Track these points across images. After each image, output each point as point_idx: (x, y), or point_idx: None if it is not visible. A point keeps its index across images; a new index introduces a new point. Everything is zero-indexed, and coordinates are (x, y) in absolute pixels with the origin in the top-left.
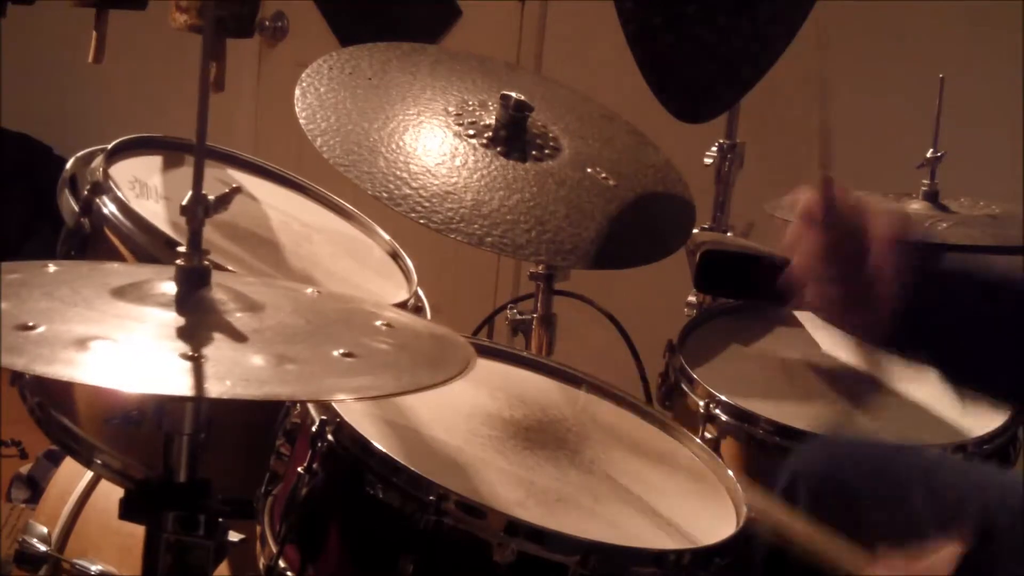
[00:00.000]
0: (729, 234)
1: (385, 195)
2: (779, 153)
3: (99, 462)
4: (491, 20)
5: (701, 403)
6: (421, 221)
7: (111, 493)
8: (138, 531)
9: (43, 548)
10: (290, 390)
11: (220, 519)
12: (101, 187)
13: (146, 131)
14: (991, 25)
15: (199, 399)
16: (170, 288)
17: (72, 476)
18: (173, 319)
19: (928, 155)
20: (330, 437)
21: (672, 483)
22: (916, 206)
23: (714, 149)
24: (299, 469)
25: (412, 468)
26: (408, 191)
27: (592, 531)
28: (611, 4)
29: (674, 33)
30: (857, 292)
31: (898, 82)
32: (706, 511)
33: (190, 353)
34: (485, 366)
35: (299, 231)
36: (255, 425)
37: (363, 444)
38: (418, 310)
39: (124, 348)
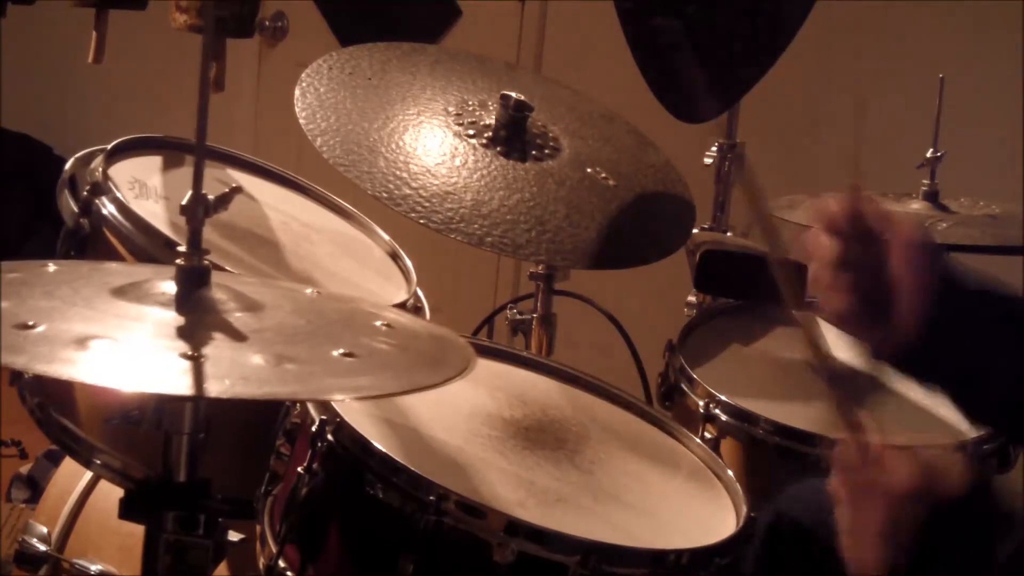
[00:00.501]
0: (729, 234)
1: (385, 195)
2: (779, 153)
3: (99, 462)
4: (491, 20)
5: (701, 403)
6: (421, 221)
7: (111, 493)
8: (138, 531)
9: (43, 548)
10: (290, 389)
11: (220, 519)
12: (100, 187)
13: (146, 131)
14: (991, 25)
15: (199, 399)
16: (170, 288)
17: (72, 476)
18: (173, 318)
19: (928, 155)
20: (330, 437)
21: (672, 483)
22: (916, 206)
23: (714, 149)
24: (299, 469)
25: (412, 468)
26: (408, 191)
27: (592, 531)
28: (611, 4)
29: (674, 33)
30: (875, 303)
31: (898, 82)
32: (706, 511)
33: (190, 353)
34: (485, 366)
35: (299, 231)
36: (255, 425)
37: (363, 444)
38: (418, 310)
39: (124, 347)
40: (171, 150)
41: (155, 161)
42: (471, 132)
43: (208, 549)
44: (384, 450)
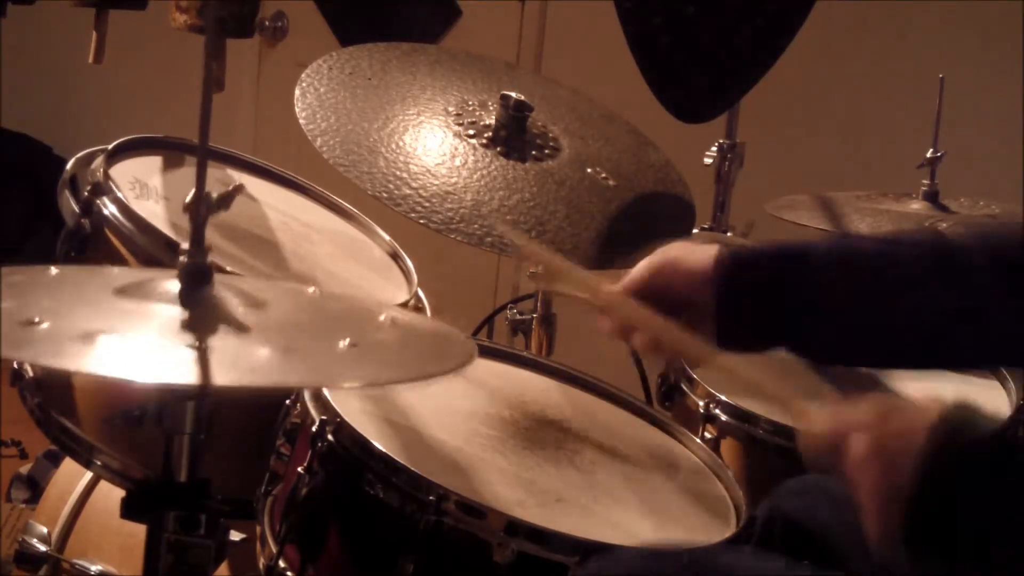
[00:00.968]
0: (729, 234)
1: (385, 195)
2: (779, 153)
3: (99, 462)
4: (491, 20)
5: (701, 403)
6: (421, 221)
7: (111, 493)
8: (138, 531)
9: (43, 548)
10: (298, 379)
11: (220, 519)
12: (101, 188)
13: (146, 131)
14: (991, 25)
15: (207, 389)
16: (173, 286)
17: (72, 476)
18: (177, 313)
19: (928, 155)
20: (330, 437)
21: (672, 483)
22: (916, 206)
23: (714, 149)
24: (299, 469)
25: (412, 468)
26: (408, 191)
27: (592, 531)
28: (611, 4)
29: (674, 34)
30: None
31: (898, 82)
32: (706, 511)
33: (197, 344)
34: (485, 366)
35: (299, 231)
36: (255, 425)
37: (363, 444)
38: (418, 310)
39: (130, 341)
40: (171, 150)
41: (155, 161)
42: (471, 132)
43: (209, 549)
44: (384, 450)
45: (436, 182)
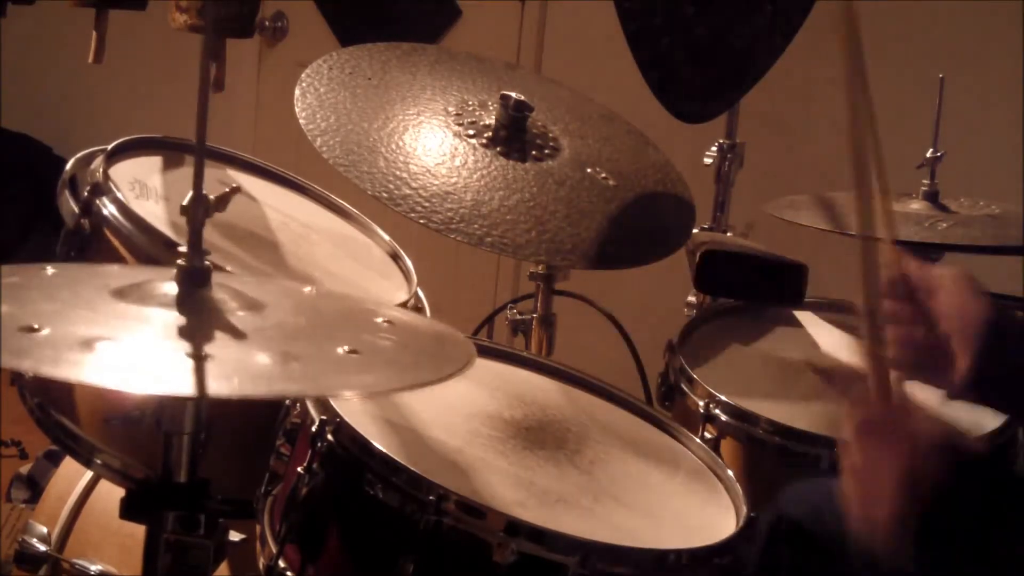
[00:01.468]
0: (729, 234)
1: (385, 195)
2: (779, 153)
3: (99, 462)
4: (491, 20)
5: (701, 403)
6: (421, 221)
7: (111, 493)
8: (138, 531)
9: (43, 548)
10: (298, 387)
11: (220, 519)
12: (101, 188)
13: (146, 131)
14: (991, 25)
15: (208, 399)
16: (171, 288)
17: (72, 476)
18: (175, 319)
19: (928, 155)
20: (330, 437)
21: (672, 483)
22: (916, 206)
23: (714, 149)
24: (299, 469)
25: (412, 468)
26: (408, 191)
27: (592, 531)
28: (611, 4)
29: (674, 34)
30: (933, 350)
31: (898, 82)
32: (706, 511)
33: (196, 353)
34: (485, 366)
35: (299, 231)
36: (255, 425)
37: (363, 444)
38: (418, 310)
39: (129, 349)
40: (171, 150)
41: (155, 161)
42: (471, 132)
43: (209, 549)
44: (384, 450)
45: (436, 182)
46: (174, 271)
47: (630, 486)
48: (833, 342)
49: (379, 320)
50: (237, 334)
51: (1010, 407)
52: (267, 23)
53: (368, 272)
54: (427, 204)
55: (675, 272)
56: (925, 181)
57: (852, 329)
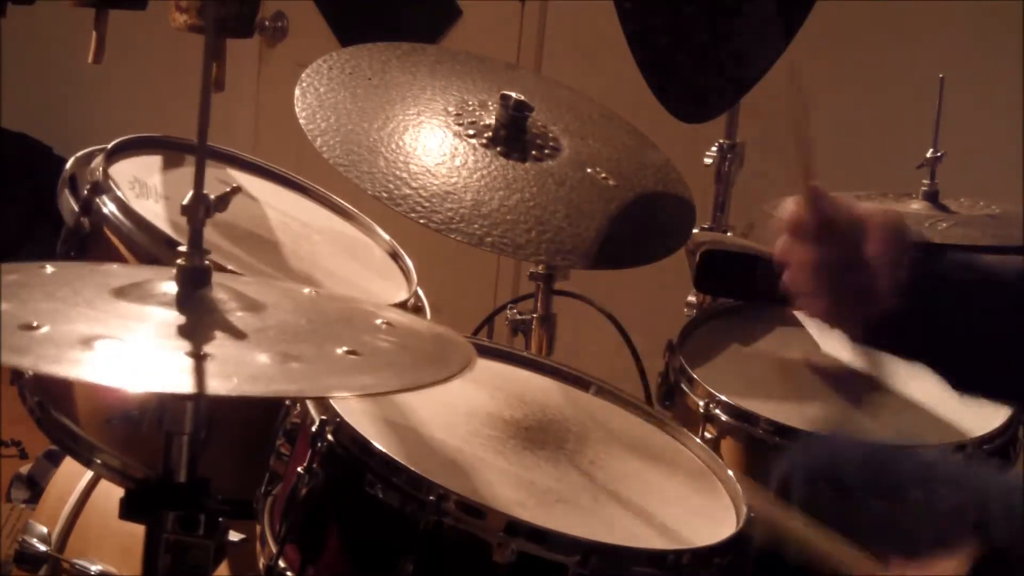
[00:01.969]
0: (729, 234)
1: (385, 195)
2: (779, 153)
3: (99, 462)
4: (491, 20)
5: (701, 403)
6: (421, 221)
7: (111, 493)
8: (138, 531)
9: (43, 548)
10: (297, 387)
11: (220, 519)
12: (101, 187)
13: (146, 131)
14: (991, 25)
15: (207, 398)
16: (171, 288)
17: (72, 476)
18: (175, 318)
19: (928, 155)
20: (330, 437)
21: (672, 483)
22: (916, 206)
23: (714, 149)
24: (299, 469)
25: (412, 468)
26: (408, 191)
27: (592, 531)
28: (611, 4)
29: (674, 34)
30: (853, 300)
31: (898, 82)
32: (706, 511)
33: (196, 352)
34: (485, 366)
35: (299, 231)
36: (255, 425)
37: (363, 444)
38: (418, 310)
39: (129, 347)
40: (171, 150)
41: (155, 161)
42: (471, 132)
43: (209, 549)
44: (384, 450)
45: (436, 182)
46: (174, 270)
47: (630, 486)
48: (833, 342)
49: (378, 322)
50: (237, 334)
51: (935, 362)
52: (267, 23)
53: (368, 272)
54: (427, 204)
55: (675, 272)
56: (925, 181)
57: None
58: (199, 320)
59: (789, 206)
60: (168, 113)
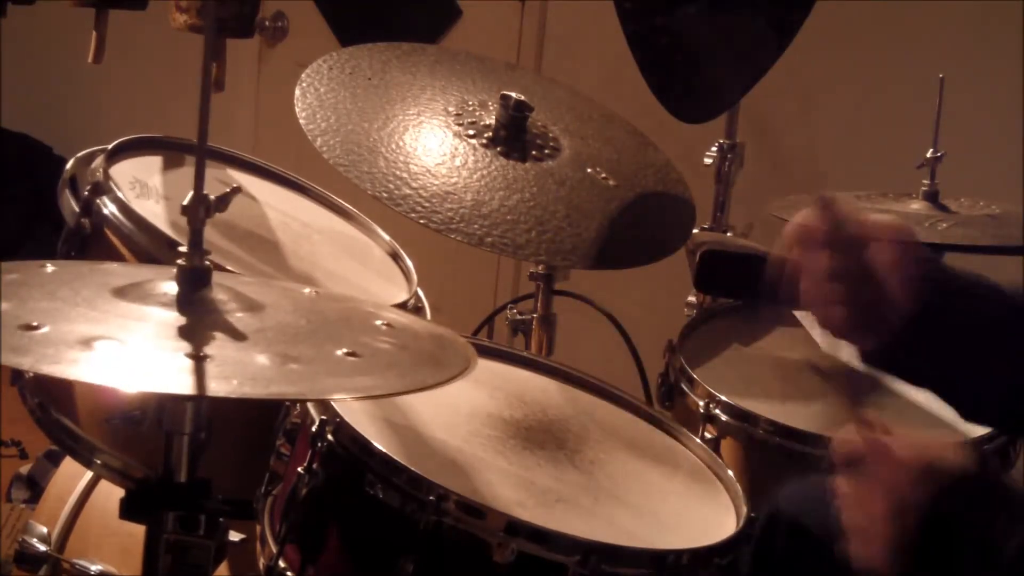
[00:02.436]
0: (729, 234)
1: (385, 195)
2: (779, 153)
3: (99, 462)
4: (491, 20)
5: (701, 403)
6: (421, 221)
7: (111, 493)
8: (138, 531)
9: (43, 548)
10: (296, 389)
11: (220, 519)
12: (101, 187)
13: (146, 131)
14: (991, 25)
15: (207, 399)
16: (171, 288)
17: (72, 476)
18: (175, 319)
19: (928, 155)
20: (330, 437)
21: (672, 483)
22: (916, 206)
23: (714, 149)
24: (299, 469)
25: (412, 468)
26: (408, 191)
27: (592, 531)
28: (611, 4)
29: (674, 34)
30: (867, 308)
31: (898, 82)
32: (706, 511)
33: (196, 353)
34: (485, 366)
35: (299, 231)
36: (255, 425)
37: (363, 444)
38: (418, 310)
39: (129, 348)
40: (171, 150)
41: (155, 161)
42: (471, 132)
43: (209, 549)
44: (384, 450)
45: (436, 182)
46: (174, 271)
47: (630, 486)
48: (833, 342)
49: (378, 323)
50: (237, 335)
51: (928, 383)
52: (267, 23)
53: (368, 272)
54: (427, 204)
55: (675, 272)
56: (925, 181)
57: None
58: (199, 321)
59: (801, 215)
60: (168, 113)
